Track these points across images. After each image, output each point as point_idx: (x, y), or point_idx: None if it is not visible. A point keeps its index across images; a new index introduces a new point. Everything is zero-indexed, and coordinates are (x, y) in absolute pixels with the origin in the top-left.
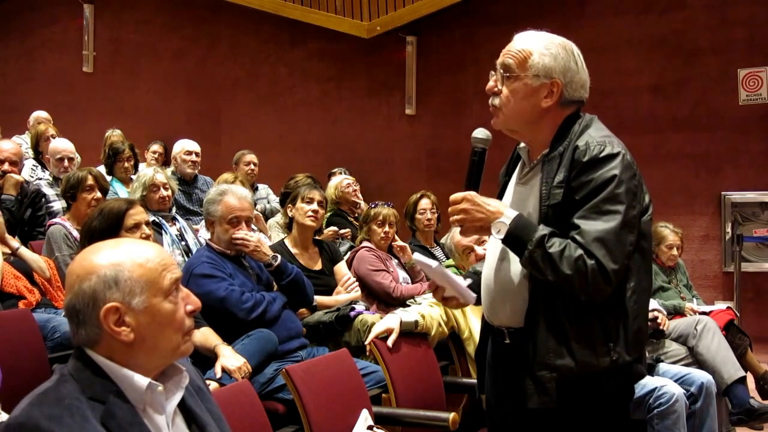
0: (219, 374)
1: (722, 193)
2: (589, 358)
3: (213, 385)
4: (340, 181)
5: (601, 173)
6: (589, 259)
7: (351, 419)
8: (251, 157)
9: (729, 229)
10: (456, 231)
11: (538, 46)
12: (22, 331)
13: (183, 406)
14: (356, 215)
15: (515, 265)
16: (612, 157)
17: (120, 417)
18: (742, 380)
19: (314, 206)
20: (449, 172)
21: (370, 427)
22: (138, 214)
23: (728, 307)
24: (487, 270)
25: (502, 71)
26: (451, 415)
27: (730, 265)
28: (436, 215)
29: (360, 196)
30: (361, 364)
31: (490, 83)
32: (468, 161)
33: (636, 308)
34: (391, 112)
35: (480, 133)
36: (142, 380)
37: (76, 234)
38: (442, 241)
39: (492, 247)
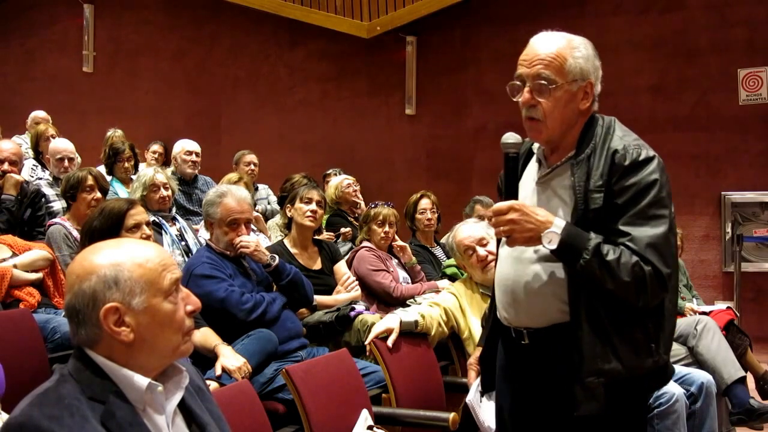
0: (219, 373)
1: (722, 193)
2: (635, 360)
3: (213, 385)
4: (341, 181)
5: (642, 177)
6: (645, 266)
7: (351, 419)
8: (251, 157)
9: (729, 229)
10: (459, 230)
11: (569, 50)
12: (22, 331)
13: (183, 406)
14: (356, 215)
15: (538, 267)
16: (650, 160)
17: (120, 417)
18: (742, 380)
19: (313, 206)
20: (449, 172)
21: (370, 427)
22: (138, 214)
23: (728, 307)
24: (506, 271)
25: (541, 82)
26: (451, 415)
27: (730, 265)
28: (436, 215)
29: (360, 196)
30: (361, 364)
31: (526, 96)
32: (504, 168)
33: (671, 308)
34: (391, 112)
35: (510, 137)
36: (142, 380)
37: (76, 234)
38: (443, 241)
39: (507, 249)
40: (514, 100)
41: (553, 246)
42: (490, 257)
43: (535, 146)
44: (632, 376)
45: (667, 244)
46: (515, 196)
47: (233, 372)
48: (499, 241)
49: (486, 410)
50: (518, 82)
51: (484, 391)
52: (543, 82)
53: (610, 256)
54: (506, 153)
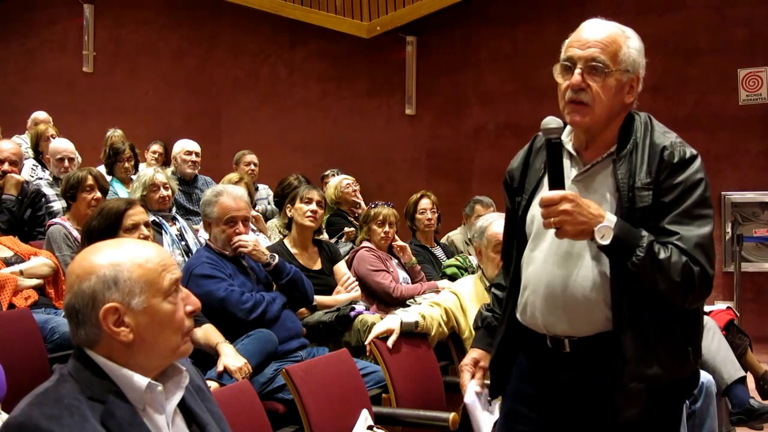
0: (220, 370)
1: (722, 193)
2: (675, 364)
3: (213, 385)
4: (340, 181)
5: (689, 175)
6: (694, 266)
7: (351, 419)
8: (251, 158)
9: (729, 229)
10: (494, 223)
11: (624, 38)
12: (22, 331)
13: (183, 406)
14: (356, 215)
15: (585, 271)
16: (695, 158)
17: (120, 417)
18: (742, 380)
19: (313, 206)
20: (449, 172)
21: (370, 427)
22: (137, 214)
23: (728, 307)
24: (547, 275)
25: (596, 64)
26: (451, 415)
27: (730, 265)
28: (436, 215)
29: (360, 196)
30: (361, 364)
31: (577, 78)
32: (547, 156)
33: (702, 312)
34: (391, 112)
35: (552, 122)
36: (141, 380)
37: (76, 234)
38: (443, 240)
39: (545, 250)
40: (561, 83)
41: (606, 241)
42: None
43: (564, 139)
44: (672, 380)
45: (712, 244)
46: (562, 186)
47: (234, 372)
48: (524, 242)
49: (485, 415)
50: (568, 64)
51: (493, 396)
52: (598, 64)
53: (662, 255)
54: (548, 139)
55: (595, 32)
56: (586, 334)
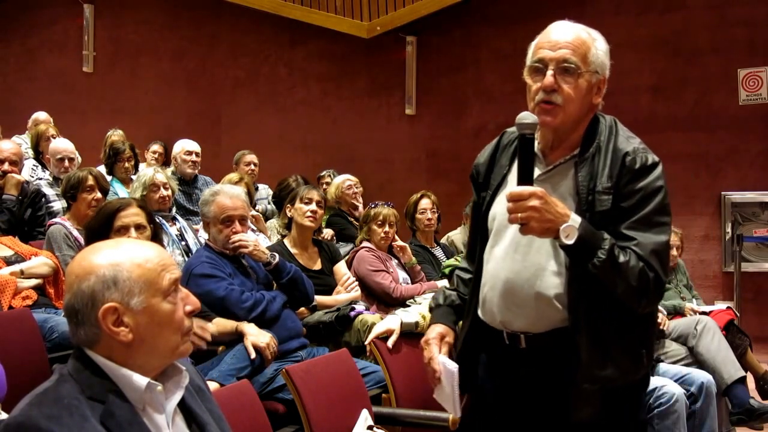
0: (253, 354)
1: (722, 193)
2: (629, 366)
3: (213, 385)
4: (342, 180)
5: (649, 182)
6: (650, 272)
7: (351, 419)
8: (251, 158)
9: (729, 229)
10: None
11: (591, 40)
12: (22, 330)
13: (183, 406)
14: (355, 216)
15: (542, 270)
16: (656, 165)
17: (119, 416)
18: (742, 380)
19: (313, 206)
20: (449, 172)
21: (370, 427)
22: (128, 216)
23: (728, 307)
24: (504, 271)
25: (568, 65)
26: (451, 415)
27: (730, 265)
28: (436, 215)
29: (360, 198)
30: (361, 364)
31: (550, 79)
32: (519, 150)
33: (655, 314)
34: (391, 112)
35: (528, 117)
36: (141, 380)
37: (76, 234)
38: (443, 240)
39: (504, 247)
40: (531, 85)
41: (571, 241)
42: None
43: (537, 141)
44: (626, 382)
45: (668, 252)
46: (531, 182)
47: (263, 349)
48: (485, 239)
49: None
50: (539, 65)
51: (462, 392)
52: (570, 65)
53: (622, 258)
54: (522, 134)
55: (564, 34)
56: (542, 330)
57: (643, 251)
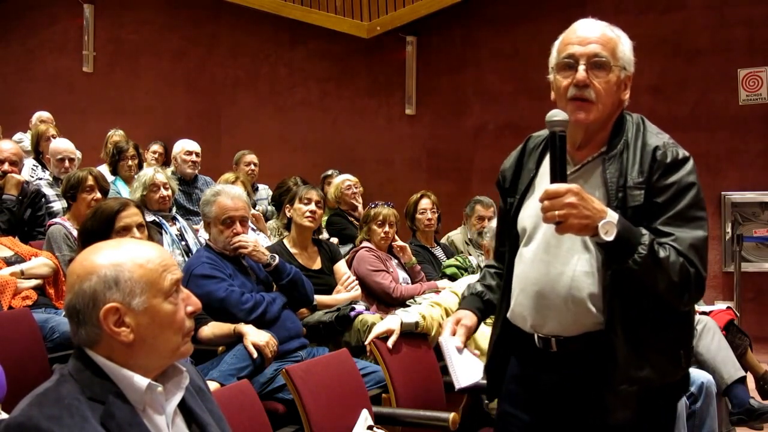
0: (254, 354)
1: (722, 193)
2: (667, 367)
3: (214, 385)
4: (342, 180)
5: (681, 177)
6: (690, 267)
7: (351, 419)
8: (251, 158)
9: (729, 229)
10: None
11: (617, 36)
12: (22, 331)
13: (183, 407)
14: (355, 216)
15: (573, 272)
16: (687, 160)
17: (119, 417)
18: (742, 380)
19: (312, 206)
20: (449, 172)
21: (370, 427)
22: (129, 216)
23: (728, 307)
24: (535, 274)
25: (601, 59)
26: (451, 415)
27: (730, 265)
28: (436, 215)
29: (359, 198)
30: (361, 364)
31: (583, 74)
32: (551, 148)
33: (692, 313)
34: (391, 112)
35: (558, 114)
36: (141, 381)
37: (76, 234)
38: (443, 240)
39: (533, 250)
40: (561, 81)
41: (610, 237)
42: None
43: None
44: (664, 383)
45: (706, 247)
46: (565, 179)
47: (263, 348)
48: (515, 243)
49: (461, 361)
50: (570, 61)
51: (490, 398)
52: (602, 59)
53: (662, 254)
54: (553, 132)
55: (591, 30)
56: (573, 334)
57: (682, 246)
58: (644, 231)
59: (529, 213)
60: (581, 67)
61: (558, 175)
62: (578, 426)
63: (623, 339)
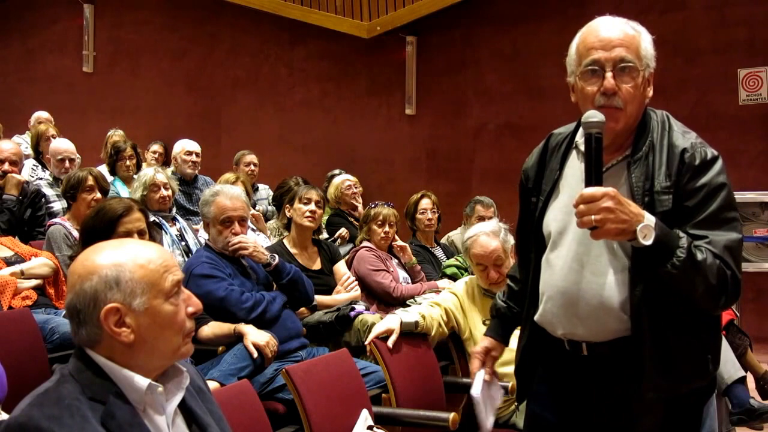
0: (255, 353)
1: None
2: (694, 374)
3: (214, 385)
4: (342, 181)
5: (711, 178)
6: (727, 269)
7: (351, 419)
8: (251, 158)
9: None
10: (476, 241)
11: (638, 33)
12: (22, 331)
13: (184, 407)
14: (355, 217)
15: (601, 278)
16: (716, 159)
17: (120, 417)
18: (742, 380)
19: (312, 207)
20: (449, 172)
21: (370, 427)
22: (132, 222)
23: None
24: (564, 281)
25: (627, 65)
26: (451, 415)
27: None
28: (436, 215)
29: (359, 199)
30: (361, 364)
31: (611, 82)
32: (586, 150)
33: (720, 318)
34: (391, 112)
35: (595, 116)
36: (142, 381)
37: (76, 234)
38: (443, 240)
39: (562, 257)
40: (587, 89)
41: (649, 241)
42: (500, 279)
43: (578, 140)
44: (690, 391)
45: (740, 249)
46: (601, 182)
47: (263, 348)
48: (541, 245)
49: (488, 405)
50: (595, 68)
51: (519, 400)
52: (629, 64)
53: (700, 257)
54: (589, 134)
55: (612, 30)
56: (602, 340)
57: (717, 248)
58: (681, 234)
59: (554, 216)
60: (608, 74)
61: (594, 178)
62: (606, 430)
63: (651, 346)
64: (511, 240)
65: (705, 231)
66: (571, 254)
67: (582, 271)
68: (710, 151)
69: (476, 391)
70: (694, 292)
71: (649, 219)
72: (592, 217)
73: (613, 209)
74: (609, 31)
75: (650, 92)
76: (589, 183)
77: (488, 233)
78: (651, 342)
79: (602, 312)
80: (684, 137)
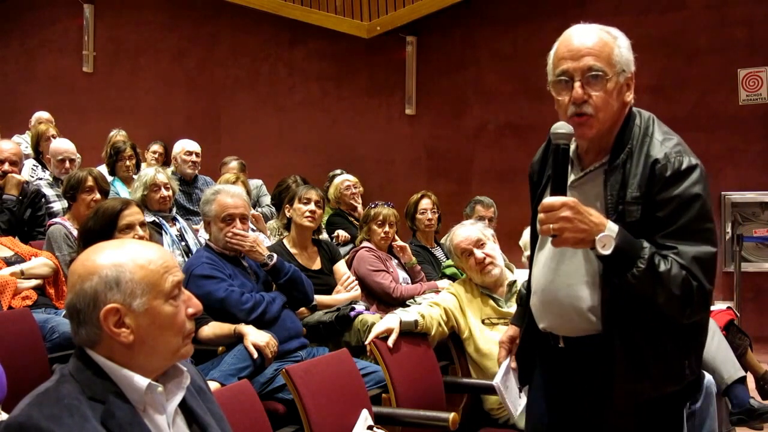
0: (255, 354)
1: (722, 193)
2: (667, 378)
3: (214, 385)
4: (341, 181)
5: (684, 189)
6: (693, 281)
7: (351, 419)
8: (234, 165)
9: (729, 229)
10: (455, 233)
11: (612, 39)
12: (22, 331)
13: (184, 407)
14: (355, 217)
15: (575, 278)
16: (692, 169)
17: (120, 417)
18: (742, 380)
19: (311, 206)
20: (449, 172)
21: (370, 427)
22: (132, 215)
23: (728, 307)
24: (542, 281)
25: (594, 74)
26: (451, 415)
27: (730, 265)
28: (436, 215)
29: (359, 199)
30: (361, 364)
31: (578, 91)
32: (552, 161)
33: (704, 324)
34: (391, 112)
35: (563, 127)
36: (141, 381)
37: (76, 234)
38: (442, 241)
39: (546, 253)
40: (559, 99)
41: (608, 251)
42: (488, 260)
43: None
44: (663, 394)
45: (712, 260)
46: (564, 193)
47: (263, 348)
48: (534, 244)
49: (513, 393)
50: (564, 78)
51: (521, 385)
52: (597, 72)
53: (662, 267)
54: (556, 144)
55: (583, 39)
56: (574, 335)
57: (684, 259)
58: (645, 244)
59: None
60: (576, 84)
61: (556, 187)
62: (583, 422)
63: (622, 351)
64: (490, 231)
65: (675, 242)
66: (550, 253)
67: (557, 270)
68: (687, 160)
69: (497, 379)
70: (655, 302)
71: (611, 229)
72: (551, 225)
73: (571, 219)
74: (579, 40)
75: (629, 96)
76: (553, 192)
77: (464, 225)
78: (622, 346)
79: (572, 311)
80: (662, 146)
